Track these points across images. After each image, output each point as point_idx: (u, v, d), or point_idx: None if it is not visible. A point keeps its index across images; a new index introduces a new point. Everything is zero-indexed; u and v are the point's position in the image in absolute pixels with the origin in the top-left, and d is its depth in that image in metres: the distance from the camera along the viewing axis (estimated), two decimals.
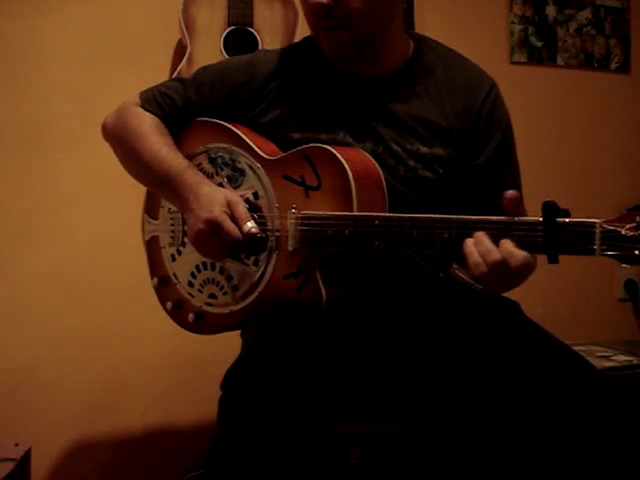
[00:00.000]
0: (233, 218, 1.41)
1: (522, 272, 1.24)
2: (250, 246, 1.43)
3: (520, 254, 1.21)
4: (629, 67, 2.86)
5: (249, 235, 1.40)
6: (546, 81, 2.75)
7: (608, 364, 2.21)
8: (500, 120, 1.54)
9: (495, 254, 1.22)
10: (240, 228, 1.40)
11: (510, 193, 1.24)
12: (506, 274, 1.23)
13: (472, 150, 1.50)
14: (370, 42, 1.47)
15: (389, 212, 1.41)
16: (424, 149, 1.48)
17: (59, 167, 2.25)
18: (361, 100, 1.51)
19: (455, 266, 1.30)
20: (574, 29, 2.79)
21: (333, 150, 1.40)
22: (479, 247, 1.24)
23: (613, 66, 2.85)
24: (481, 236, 1.24)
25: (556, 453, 1.28)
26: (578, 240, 1.17)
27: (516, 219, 1.23)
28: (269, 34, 2.25)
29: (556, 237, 1.18)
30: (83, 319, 2.25)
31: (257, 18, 2.25)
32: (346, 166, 1.37)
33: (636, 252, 1.13)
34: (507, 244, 1.22)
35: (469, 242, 1.25)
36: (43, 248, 2.23)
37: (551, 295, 2.58)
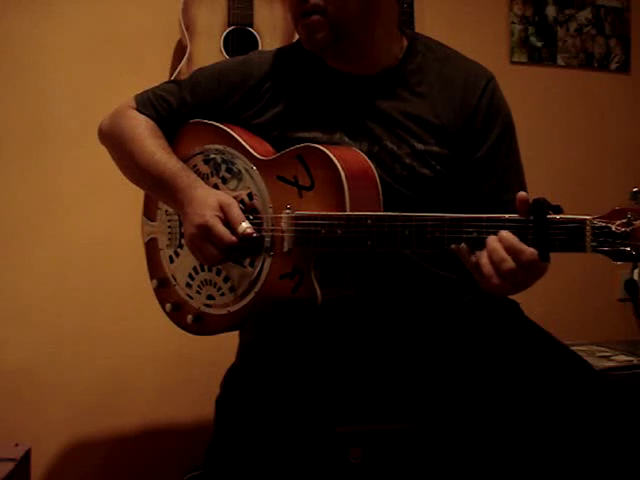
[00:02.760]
0: (227, 221, 1.40)
1: (533, 273, 1.21)
2: (246, 248, 1.42)
3: (529, 252, 1.18)
4: (629, 67, 2.86)
5: (244, 236, 1.39)
6: (546, 81, 2.75)
7: (608, 364, 2.21)
8: (499, 112, 1.52)
9: (509, 263, 1.19)
10: (235, 229, 1.40)
11: (522, 194, 1.20)
12: (518, 279, 1.21)
13: (471, 144, 1.49)
14: (345, 33, 1.46)
15: (384, 211, 1.40)
16: (419, 145, 1.48)
17: (59, 167, 2.25)
18: (354, 100, 1.51)
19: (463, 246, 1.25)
20: (574, 29, 2.78)
21: (325, 150, 1.39)
22: (493, 256, 1.20)
23: (613, 66, 2.84)
24: (495, 243, 1.20)
25: (555, 453, 1.27)
26: (569, 237, 1.15)
27: (507, 216, 1.21)
28: (269, 34, 2.26)
29: (547, 234, 1.17)
30: (83, 319, 2.25)
31: (257, 18, 2.26)
32: (338, 165, 1.36)
33: (627, 249, 1.12)
34: (514, 243, 1.19)
35: (483, 254, 1.21)
36: (43, 248, 2.23)
37: (551, 295, 2.57)
